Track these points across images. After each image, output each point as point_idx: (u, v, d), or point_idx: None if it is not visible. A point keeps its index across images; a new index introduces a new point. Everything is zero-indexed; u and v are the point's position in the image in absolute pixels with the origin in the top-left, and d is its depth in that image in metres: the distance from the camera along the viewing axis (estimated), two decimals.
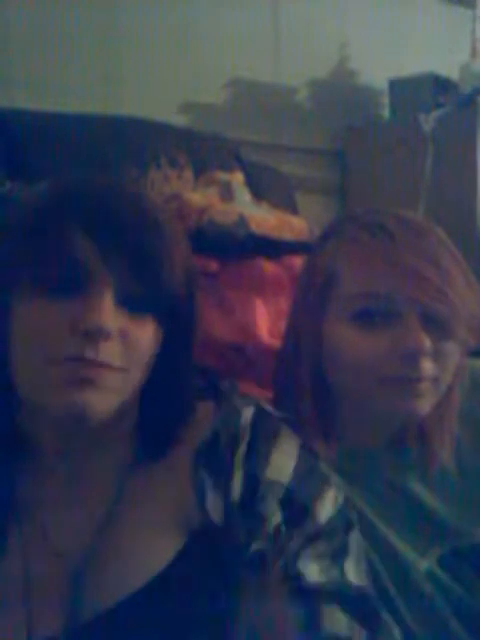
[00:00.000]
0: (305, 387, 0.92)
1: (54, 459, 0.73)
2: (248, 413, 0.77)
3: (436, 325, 0.86)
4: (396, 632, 0.82)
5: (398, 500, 0.93)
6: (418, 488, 0.94)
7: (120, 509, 0.72)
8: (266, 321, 1.22)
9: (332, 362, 0.91)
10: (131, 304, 0.68)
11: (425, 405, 0.88)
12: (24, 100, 1.71)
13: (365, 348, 0.87)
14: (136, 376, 0.70)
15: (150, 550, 0.70)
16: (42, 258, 0.67)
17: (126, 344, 0.68)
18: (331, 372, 0.92)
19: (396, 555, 0.89)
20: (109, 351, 0.66)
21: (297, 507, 0.72)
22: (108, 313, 0.66)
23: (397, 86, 2.47)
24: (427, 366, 0.86)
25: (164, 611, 0.66)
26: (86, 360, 0.65)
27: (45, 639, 0.66)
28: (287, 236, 1.30)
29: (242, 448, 0.74)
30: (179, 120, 2.08)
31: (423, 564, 0.90)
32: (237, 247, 1.24)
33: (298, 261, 1.24)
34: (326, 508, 0.74)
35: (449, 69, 2.43)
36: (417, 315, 0.85)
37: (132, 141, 1.67)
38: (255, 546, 0.70)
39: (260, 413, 0.78)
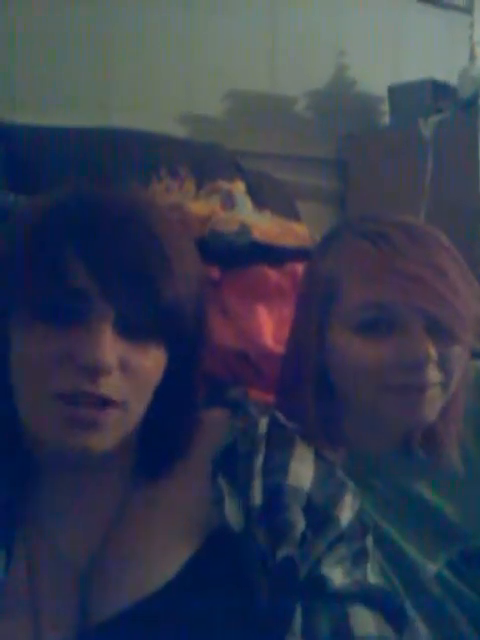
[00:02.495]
0: (310, 395, 0.92)
1: (58, 471, 0.73)
2: (264, 422, 0.77)
3: (441, 332, 0.86)
4: (423, 630, 0.83)
5: (406, 504, 0.93)
6: (426, 491, 0.94)
7: (127, 515, 0.72)
8: (270, 327, 1.22)
9: (337, 371, 0.91)
10: (132, 332, 0.66)
11: (432, 412, 0.88)
12: (24, 114, 1.72)
13: (370, 357, 0.86)
14: (139, 407, 0.69)
15: (161, 555, 0.69)
16: (37, 286, 0.64)
17: (127, 375, 0.66)
18: (336, 380, 0.92)
19: (405, 559, 0.89)
20: (109, 385, 0.64)
21: (319, 513, 0.72)
22: (107, 346, 0.63)
23: (396, 92, 2.48)
24: (433, 373, 0.86)
25: (178, 615, 0.66)
26: (86, 395, 0.63)
27: None
28: (289, 243, 1.30)
29: (260, 456, 0.73)
30: (179, 131, 2.09)
31: (432, 568, 0.90)
32: (240, 255, 1.25)
33: (301, 267, 1.23)
34: (346, 513, 0.74)
35: (448, 74, 2.43)
36: (421, 323, 0.85)
37: (132, 153, 1.68)
38: (283, 552, 0.69)
39: (275, 422, 0.78)
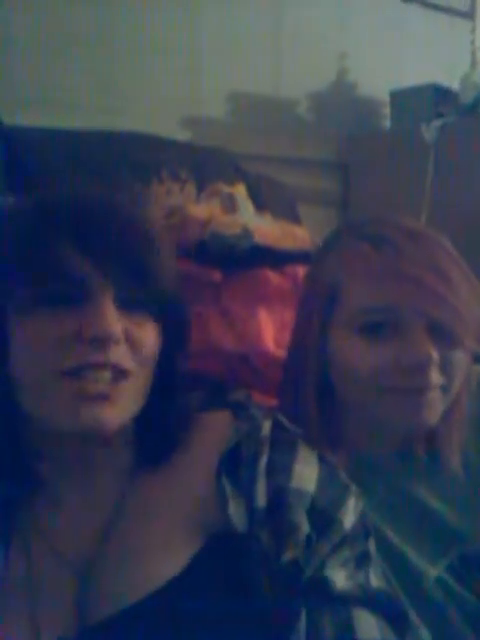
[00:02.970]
0: (311, 398, 0.92)
1: (56, 467, 0.73)
2: (267, 425, 0.78)
3: (442, 334, 0.86)
4: (424, 633, 0.82)
5: (407, 508, 0.92)
6: (427, 495, 0.93)
7: (126, 514, 0.72)
8: (271, 331, 1.22)
9: (338, 374, 0.91)
10: (130, 306, 0.70)
11: (433, 415, 0.88)
12: (25, 114, 1.72)
13: (372, 360, 0.86)
14: (145, 380, 0.71)
15: (162, 554, 0.69)
16: (37, 277, 0.67)
17: (132, 346, 0.69)
18: (337, 383, 0.92)
19: (406, 563, 0.89)
20: (119, 354, 0.67)
21: (323, 516, 0.72)
22: (112, 318, 0.67)
23: (398, 97, 2.48)
24: (434, 376, 0.85)
25: (179, 616, 0.66)
26: (98, 366, 0.66)
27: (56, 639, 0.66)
28: (290, 246, 1.30)
29: (263, 459, 0.74)
30: (180, 134, 2.09)
31: (433, 572, 0.89)
32: (241, 258, 1.25)
33: (302, 271, 1.24)
34: (349, 516, 0.74)
35: (450, 79, 2.44)
36: (423, 325, 0.85)
37: (134, 156, 1.68)
38: (288, 555, 0.69)
39: (278, 425, 0.79)
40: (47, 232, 0.69)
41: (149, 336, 0.71)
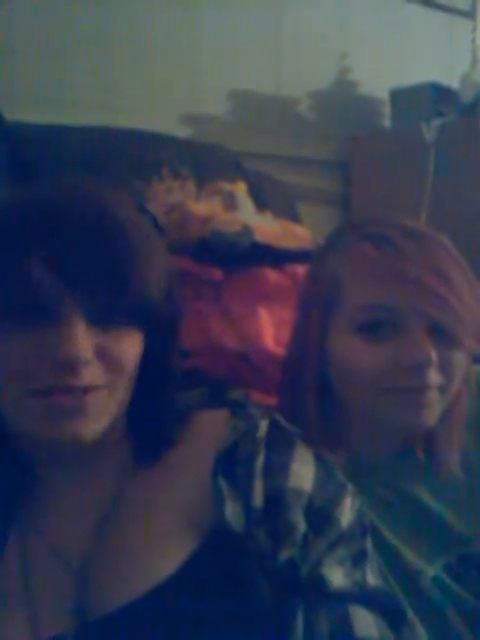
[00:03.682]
0: (311, 397, 0.92)
1: (51, 466, 0.73)
2: (264, 424, 0.77)
3: (442, 335, 0.86)
4: (421, 631, 0.82)
5: (405, 508, 0.93)
6: (425, 495, 0.94)
7: (123, 511, 0.72)
8: (270, 329, 1.22)
9: (338, 373, 0.91)
10: (104, 320, 0.66)
11: (431, 416, 0.88)
12: (26, 112, 1.72)
13: (371, 359, 0.87)
14: (122, 391, 0.69)
15: (159, 553, 0.69)
16: (2, 291, 0.64)
17: (107, 362, 0.66)
18: (337, 383, 0.92)
19: (404, 563, 0.89)
20: (90, 374, 0.65)
21: (320, 514, 0.72)
22: (81, 340, 0.63)
23: (398, 96, 2.48)
24: (433, 376, 0.86)
25: (176, 614, 0.66)
26: (68, 388, 0.64)
27: (53, 637, 0.66)
28: (291, 245, 1.30)
29: (260, 458, 0.73)
30: (181, 132, 2.09)
31: (430, 571, 0.90)
32: (241, 256, 1.25)
33: (302, 269, 1.24)
34: (346, 514, 0.74)
35: (450, 78, 2.44)
36: (423, 326, 0.85)
37: (134, 153, 1.68)
38: (285, 554, 0.69)
39: (275, 424, 0.78)
40: (12, 242, 0.65)
41: (127, 349, 0.68)
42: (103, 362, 0.66)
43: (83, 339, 0.64)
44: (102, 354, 0.66)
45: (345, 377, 0.90)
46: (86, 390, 0.65)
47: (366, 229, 0.92)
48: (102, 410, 0.67)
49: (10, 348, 0.64)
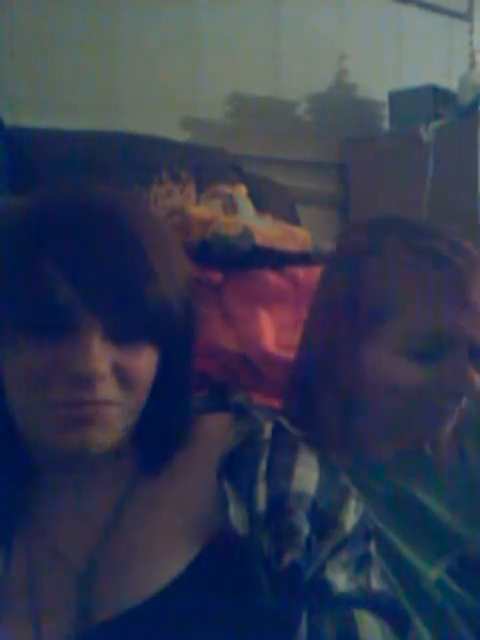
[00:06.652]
0: (330, 402, 0.91)
1: (55, 472, 0.73)
2: (268, 427, 0.77)
3: (477, 357, 0.86)
4: (426, 635, 0.82)
5: (406, 509, 0.92)
6: (426, 497, 0.93)
7: (127, 515, 0.72)
8: (270, 331, 1.22)
9: (372, 387, 0.89)
10: (120, 336, 0.66)
11: (450, 425, 0.90)
12: (27, 117, 1.72)
13: (414, 381, 0.86)
14: (136, 405, 0.69)
15: (162, 557, 0.69)
16: (20, 303, 0.64)
17: (122, 378, 0.66)
18: (367, 393, 0.90)
19: (405, 564, 0.89)
20: (105, 389, 0.65)
21: (324, 518, 0.72)
22: (97, 356, 0.63)
23: (397, 98, 2.49)
24: (466, 398, 0.88)
25: (180, 617, 0.66)
26: (83, 402, 0.64)
27: None
28: (291, 247, 1.30)
29: (264, 461, 0.73)
30: (180, 135, 2.10)
31: (432, 573, 0.89)
32: (242, 259, 1.25)
33: (302, 272, 1.24)
34: (350, 517, 0.73)
35: (448, 80, 2.45)
36: (465, 348, 0.85)
37: (134, 157, 1.68)
38: (289, 557, 0.69)
39: (279, 428, 0.78)
40: (30, 252, 0.64)
41: (143, 366, 0.68)
42: (118, 377, 0.66)
43: (100, 354, 0.64)
44: (118, 370, 0.66)
45: (380, 391, 0.88)
46: (100, 404, 0.65)
47: (417, 242, 0.88)
48: (115, 423, 0.67)
49: (27, 360, 0.64)
